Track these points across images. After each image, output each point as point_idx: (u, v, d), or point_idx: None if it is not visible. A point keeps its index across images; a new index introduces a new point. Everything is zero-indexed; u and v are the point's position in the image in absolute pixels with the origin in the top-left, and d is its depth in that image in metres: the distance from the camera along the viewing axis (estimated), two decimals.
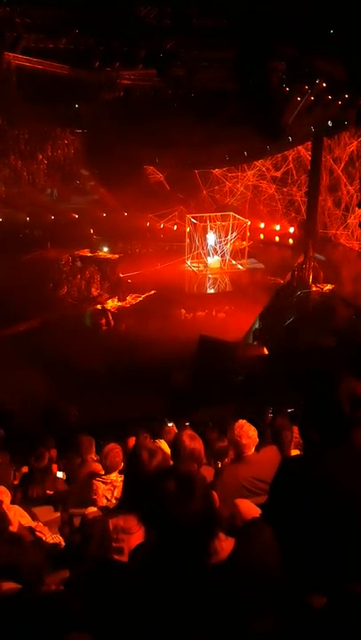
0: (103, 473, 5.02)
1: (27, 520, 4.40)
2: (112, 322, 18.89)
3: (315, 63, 18.28)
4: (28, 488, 6.06)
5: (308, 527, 2.02)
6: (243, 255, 23.51)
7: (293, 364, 14.04)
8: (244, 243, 23.80)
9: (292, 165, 24.49)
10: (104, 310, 19.67)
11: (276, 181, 25.17)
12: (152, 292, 20.84)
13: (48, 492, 6.13)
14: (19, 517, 4.07)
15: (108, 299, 20.75)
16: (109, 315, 19.22)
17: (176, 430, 6.74)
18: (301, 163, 24.25)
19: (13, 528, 3.40)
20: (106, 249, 25.23)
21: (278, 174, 24.97)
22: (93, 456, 6.54)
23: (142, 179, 26.26)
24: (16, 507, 4.38)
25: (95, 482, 4.90)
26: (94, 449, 6.63)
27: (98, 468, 5.67)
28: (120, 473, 4.87)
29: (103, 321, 18.88)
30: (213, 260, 23.41)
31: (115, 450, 4.93)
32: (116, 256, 24.65)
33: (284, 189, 24.99)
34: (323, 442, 2.16)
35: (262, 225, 26.15)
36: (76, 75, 21.34)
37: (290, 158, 24.41)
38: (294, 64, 18.79)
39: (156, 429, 7.77)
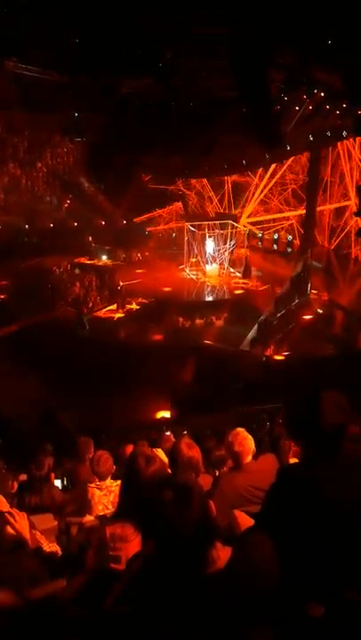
0: (97, 480, 5.05)
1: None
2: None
3: (313, 73, 18.33)
4: (25, 496, 6.02)
5: (306, 535, 2.01)
6: (241, 263, 23.55)
7: (292, 372, 14.04)
8: (242, 250, 23.87)
9: None
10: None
11: None
12: (150, 299, 20.85)
13: (45, 500, 6.10)
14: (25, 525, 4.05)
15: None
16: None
17: (174, 439, 6.72)
18: None
19: (26, 535, 3.38)
20: (105, 257, 25.25)
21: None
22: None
23: (141, 187, 26.35)
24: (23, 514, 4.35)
25: (90, 488, 4.93)
26: (92, 449, 6.63)
27: None
28: (113, 478, 4.90)
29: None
30: (212, 268, 23.44)
31: (104, 456, 5.03)
32: (116, 264, 24.69)
33: None
34: (309, 452, 2.18)
35: (260, 234, 26.21)
36: (76, 83, 21.43)
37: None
38: (293, 73, 18.85)
39: (153, 438, 7.75)
